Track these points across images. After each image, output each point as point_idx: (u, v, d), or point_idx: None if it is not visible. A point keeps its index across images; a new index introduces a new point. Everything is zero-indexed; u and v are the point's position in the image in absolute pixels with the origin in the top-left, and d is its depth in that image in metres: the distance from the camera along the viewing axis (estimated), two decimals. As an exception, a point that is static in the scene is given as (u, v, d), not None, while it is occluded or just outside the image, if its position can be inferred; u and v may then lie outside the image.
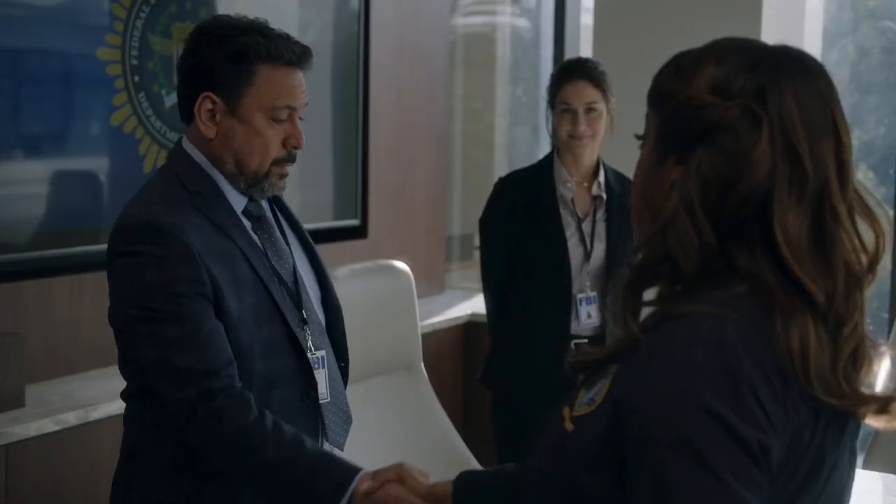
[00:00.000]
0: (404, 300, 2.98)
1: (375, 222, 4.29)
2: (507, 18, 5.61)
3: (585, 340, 2.96)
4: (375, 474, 1.71)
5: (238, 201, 1.86)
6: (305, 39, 4.05)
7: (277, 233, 1.92)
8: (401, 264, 3.04)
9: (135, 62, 3.29)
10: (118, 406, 2.85)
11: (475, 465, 3.04)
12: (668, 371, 1.02)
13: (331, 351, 1.96)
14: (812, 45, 4.32)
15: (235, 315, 1.77)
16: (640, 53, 4.16)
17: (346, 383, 2.01)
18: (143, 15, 3.31)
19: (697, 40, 3.96)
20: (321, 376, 1.90)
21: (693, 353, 1.01)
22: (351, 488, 1.69)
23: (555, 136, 3.06)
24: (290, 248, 1.93)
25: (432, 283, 4.67)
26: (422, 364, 3.06)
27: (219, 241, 1.79)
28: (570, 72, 2.96)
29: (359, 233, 4.17)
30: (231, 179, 1.84)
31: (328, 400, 1.91)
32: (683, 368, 1.01)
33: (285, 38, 1.83)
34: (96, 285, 3.19)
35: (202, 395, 1.72)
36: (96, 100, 3.22)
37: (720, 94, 1.09)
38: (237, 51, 1.78)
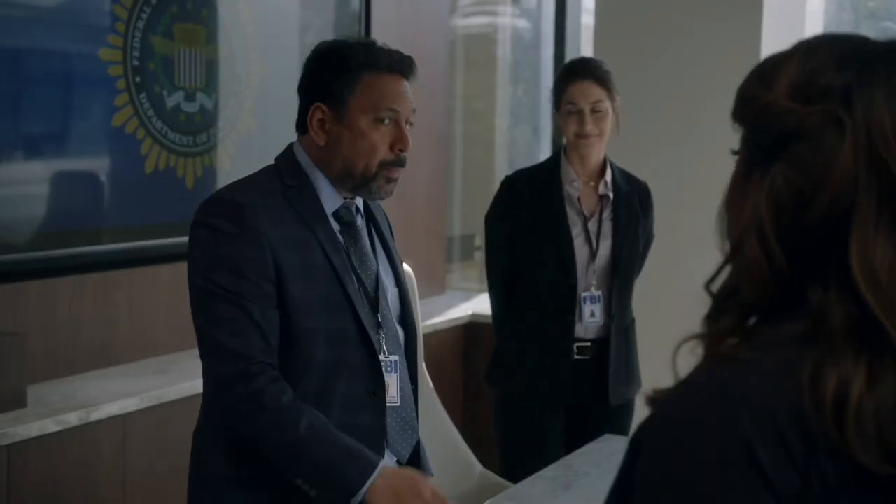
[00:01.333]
0: (405, 300, 2.98)
1: (376, 223, 4.29)
2: (507, 19, 5.61)
3: (588, 344, 2.96)
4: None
5: (331, 203, 1.96)
6: (306, 40, 4.09)
7: (364, 240, 2.01)
8: (403, 265, 3.04)
9: (136, 63, 3.29)
10: (119, 406, 2.87)
11: (477, 465, 3.05)
12: (666, 420, 0.94)
13: (405, 362, 2.03)
14: (813, 45, 4.32)
15: (298, 300, 1.86)
16: (640, 54, 4.17)
17: (416, 406, 2.08)
18: (144, 15, 3.31)
19: (698, 40, 3.98)
20: (392, 379, 1.98)
21: (690, 402, 0.93)
22: (374, 476, 1.79)
23: (559, 136, 3.06)
24: (376, 259, 2.02)
25: (433, 283, 4.67)
26: (423, 364, 3.06)
27: (299, 230, 1.89)
28: (574, 72, 2.95)
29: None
30: (336, 182, 1.95)
31: (398, 404, 1.98)
32: (677, 418, 0.92)
33: (387, 49, 1.94)
34: (98, 285, 3.19)
35: (239, 374, 1.81)
36: (98, 100, 3.22)
37: (800, 99, 0.94)
38: (339, 60, 1.91)
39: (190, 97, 3.48)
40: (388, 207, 4.37)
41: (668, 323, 4.22)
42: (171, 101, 3.41)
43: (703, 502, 0.87)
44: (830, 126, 0.92)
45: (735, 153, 1.04)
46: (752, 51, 3.99)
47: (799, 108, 0.93)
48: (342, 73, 1.90)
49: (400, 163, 1.93)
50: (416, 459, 2.07)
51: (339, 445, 1.81)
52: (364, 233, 2.02)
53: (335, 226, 1.95)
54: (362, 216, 2.03)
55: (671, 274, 4.08)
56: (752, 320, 0.96)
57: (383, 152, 1.91)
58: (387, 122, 1.91)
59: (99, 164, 3.27)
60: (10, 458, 2.61)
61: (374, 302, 1.98)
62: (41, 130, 3.12)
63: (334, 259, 1.90)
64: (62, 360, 3.10)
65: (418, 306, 3.04)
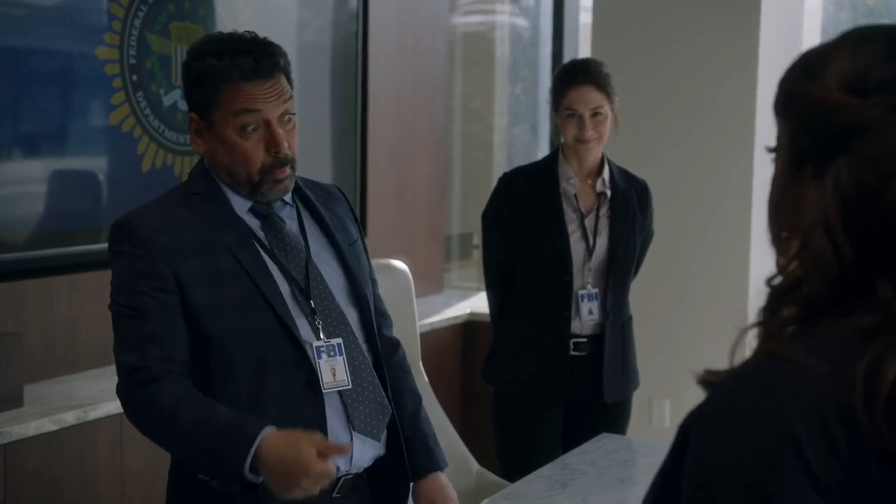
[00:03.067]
0: (403, 299, 2.98)
1: (375, 221, 4.29)
2: (506, 17, 5.61)
3: (585, 340, 2.96)
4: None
5: (242, 203, 1.94)
6: (305, 39, 4.09)
7: (287, 229, 1.98)
8: (399, 263, 3.04)
9: (133, 61, 3.29)
10: (117, 405, 2.85)
11: (473, 465, 3.05)
12: (717, 411, 0.94)
13: (356, 339, 2.00)
14: (810, 44, 4.32)
15: (205, 305, 1.85)
16: (639, 52, 4.17)
17: (383, 378, 2.04)
18: (141, 14, 3.31)
19: (696, 39, 3.97)
20: (338, 363, 1.94)
21: (742, 394, 0.92)
22: (254, 450, 1.73)
23: (557, 135, 3.06)
24: (307, 244, 1.99)
25: (431, 282, 4.67)
26: (420, 363, 3.07)
27: (204, 236, 1.89)
28: (573, 76, 2.93)
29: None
30: (231, 188, 1.94)
31: (349, 387, 1.94)
32: (728, 409, 0.93)
33: (240, 52, 1.87)
34: (95, 284, 3.19)
35: (133, 385, 1.85)
36: (95, 99, 3.22)
37: (856, 92, 0.93)
38: (197, 75, 1.90)
39: (187, 96, 3.47)
40: (387, 206, 4.38)
41: (664, 321, 4.26)
42: (168, 100, 3.41)
43: (751, 493, 0.89)
44: (892, 116, 0.92)
45: (772, 150, 1.04)
46: (751, 49, 3.99)
47: (858, 102, 0.93)
48: (203, 87, 1.88)
49: (280, 163, 1.89)
50: (395, 438, 2.03)
51: (217, 428, 1.78)
52: (293, 220, 2.00)
53: (254, 222, 1.94)
54: (290, 204, 2.00)
55: (669, 272, 4.08)
56: (810, 313, 0.96)
57: (260, 158, 1.88)
58: (253, 127, 1.87)
59: (96, 163, 3.27)
60: (6, 458, 2.61)
61: (306, 290, 1.94)
62: (38, 129, 3.11)
63: (243, 258, 1.89)
64: (60, 360, 3.10)
65: (415, 305, 3.05)
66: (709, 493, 0.91)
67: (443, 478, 2.12)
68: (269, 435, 1.74)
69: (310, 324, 1.92)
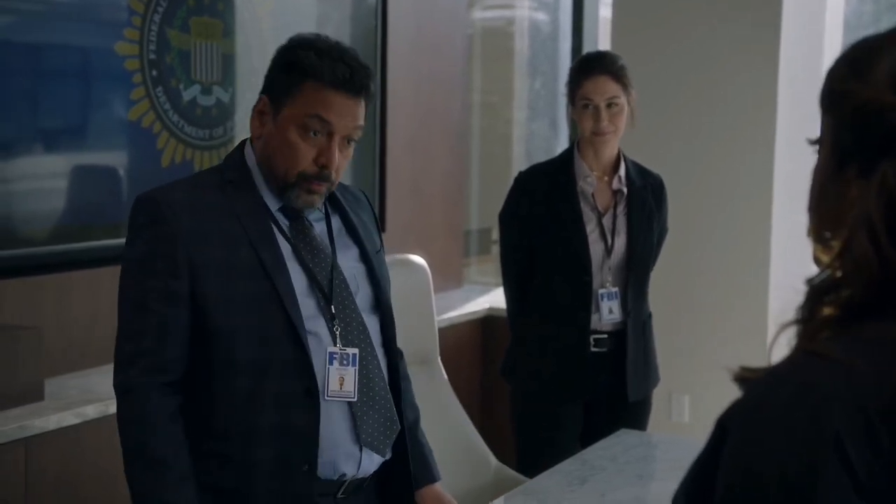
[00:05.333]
0: (421, 294, 2.98)
1: (393, 216, 4.29)
2: (525, 12, 5.60)
3: (605, 336, 2.95)
4: None
5: (273, 200, 1.92)
6: (323, 33, 4.07)
7: (315, 232, 1.95)
8: (417, 258, 3.04)
9: (153, 56, 3.30)
10: (136, 400, 2.88)
11: (492, 460, 3.04)
12: (756, 408, 0.93)
13: (374, 351, 1.97)
14: (833, 37, 4.29)
15: (215, 297, 1.83)
16: (659, 46, 4.15)
17: (398, 390, 2.03)
18: (160, 9, 3.31)
19: (716, 33, 3.95)
20: (348, 373, 1.91)
21: (782, 392, 0.91)
22: None
23: (574, 130, 3.04)
24: (334, 249, 1.97)
25: (450, 277, 4.67)
26: (439, 358, 3.06)
27: (229, 226, 1.85)
28: (590, 66, 2.92)
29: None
30: (266, 181, 1.92)
31: (354, 400, 1.91)
32: (767, 407, 0.91)
33: (343, 63, 1.86)
34: (115, 279, 3.19)
35: (121, 385, 1.85)
36: (114, 94, 3.23)
37: None
38: (289, 62, 1.87)
39: (206, 91, 3.48)
40: (405, 201, 4.38)
41: (683, 317, 4.24)
42: (187, 95, 3.41)
43: (790, 492, 0.87)
44: None
45: (815, 142, 1.01)
46: (772, 44, 3.96)
47: None
48: (287, 75, 1.87)
49: (321, 177, 1.87)
50: (402, 453, 2.02)
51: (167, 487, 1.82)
52: (322, 224, 1.98)
53: (283, 221, 1.92)
54: (321, 209, 1.98)
55: (688, 268, 4.06)
56: (850, 315, 0.94)
57: (305, 164, 1.86)
58: (315, 134, 1.85)
59: (116, 159, 3.28)
60: (28, 451, 2.63)
61: (330, 293, 1.92)
62: (58, 125, 3.13)
63: (263, 255, 1.85)
64: (79, 354, 3.11)
65: (433, 300, 3.04)
66: (746, 490, 0.90)
67: (439, 489, 2.10)
68: None
69: (329, 329, 1.90)
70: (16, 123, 2.97)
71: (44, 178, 3.10)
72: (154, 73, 3.30)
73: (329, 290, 1.92)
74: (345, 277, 1.96)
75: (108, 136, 3.25)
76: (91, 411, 2.76)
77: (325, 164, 1.86)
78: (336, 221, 2.02)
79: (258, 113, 1.91)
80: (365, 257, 2.03)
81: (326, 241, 1.97)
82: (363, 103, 1.88)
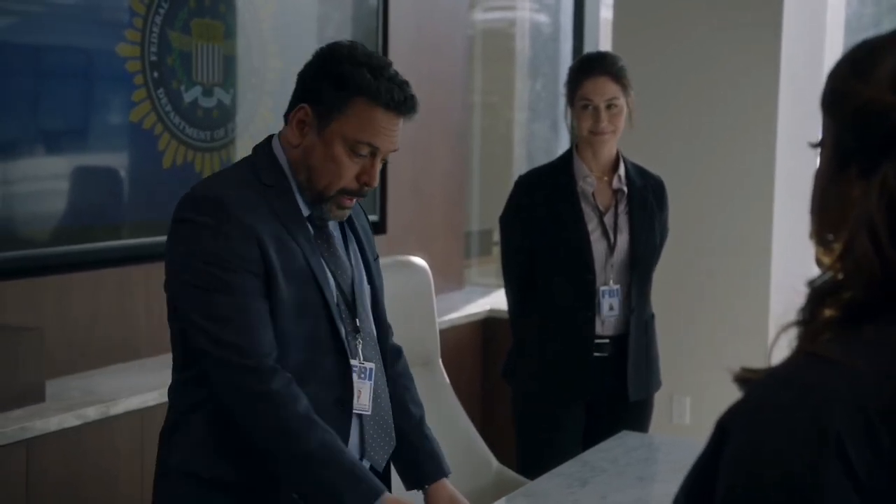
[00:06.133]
0: (422, 296, 2.98)
1: (394, 218, 4.29)
2: (526, 13, 5.60)
3: (607, 341, 2.95)
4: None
5: (304, 208, 1.91)
6: (325, 34, 4.08)
7: (337, 244, 1.97)
8: (418, 260, 3.04)
9: (154, 58, 3.30)
10: (139, 401, 2.88)
11: (493, 462, 3.04)
12: (757, 409, 0.93)
13: (381, 367, 2.00)
14: (834, 39, 4.29)
15: (277, 300, 1.82)
16: (659, 47, 4.15)
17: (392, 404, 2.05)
18: (162, 11, 3.31)
19: (717, 35, 3.95)
20: (365, 387, 1.93)
21: (783, 393, 0.91)
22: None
23: (574, 131, 3.04)
24: (351, 261, 1.98)
25: (451, 278, 4.66)
26: (440, 360, 3.06)
27: (280, 232, 1.85)
28: (589, 67, 2.92)
29: (377, 228, 4.17)
30: (301, 188, 1.90)
31: (369, 413, 1.94)
32: (768, 408, 0.91)
33: (394, 84, 1.86)
34: (116, 280, 3.21)
35: (252, 371, 1.77)
36: (115, 96, 3.23)
37: None
38: (341, 76, 1.84)
39: (207, 92, 3.48)
40: (406, 202, 4.38)
41: (684, 319, 4.24)
42: (188, 97, 3.41)
43: (791, 492, 0.88)
44: None
45: (816, 145, 1.00)
46: (773, 45, 3.97)
47: None
48: (338, 90, 1.84)
49: (359, 193, 1.89)
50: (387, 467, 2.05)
51: (345, 468, 1.78)
52: (337, 236, 1.98)
53: (310, 230, 1.91)
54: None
55: (689, 269, 4.06)
56: (851, 317, 0.94)
57: (347, 180, 1.86)
58: (363, 154, 1.86)
59: (117, 160, 3.28)
60: (29, 453, 2.62)
61: (353, 306, 1.94)
62: (59, 126, 3.13)
63: (313, 262, 1.86)
64: (81, 355, 3.11)
65: (434, 302, 3.04)
66: (747, 491, 0.90)
67: (450, 485, 2.11)
68: (389, 499, 1.78)
69: (352, 342, 1.92)
70: (17, 125, 2.97)
71: (45, 180, 3.10)
72: (155, 74, 3.30)
73: (353, 302, 1.94)
74: (363, 290, 1.98)
75: (110, 138, 3.25)
76: (92, 413, 2.76)
77: (368, 183, 1.88)
78: (346, 230, 2.03)
79: (298, 122, 1.88)
80: (366, 265, 2.04)
81: (344, 252, 1.98)
82: (402, 124, 1.90)
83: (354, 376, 1.91)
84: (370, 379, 1.94)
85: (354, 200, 1.91)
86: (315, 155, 1.86)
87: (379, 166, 1.89)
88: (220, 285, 1.78)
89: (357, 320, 1.93)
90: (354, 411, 1.91)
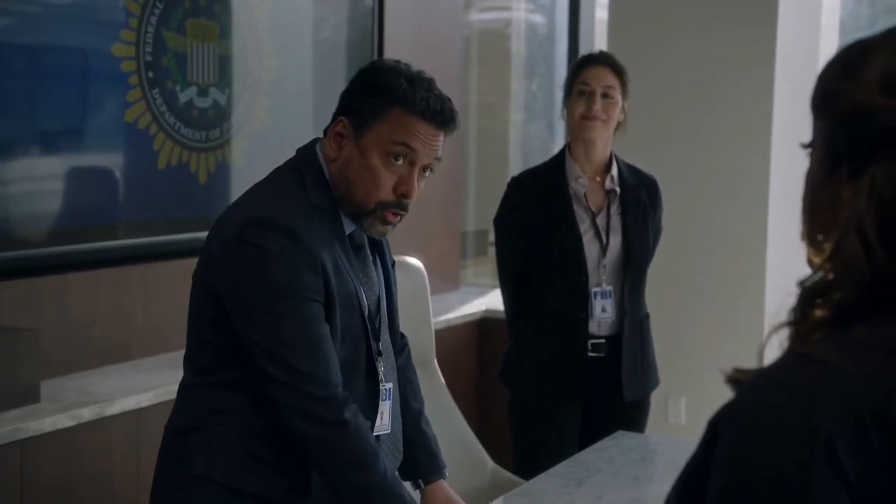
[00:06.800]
0: (417, 296, 2.98)
1: (390, 218, 4.28)
2: (521, 14, 5.60)
3: (602, 341, 2.95)
4: None
5: (347, 226, 1.89)
6: (321, 36, 4.08)
7: (371, 265, 1.97)
8: (414, 260, 3.04)
9: (149, 58, 3.29)
10: (134, 402, 2.87)
11: (489, 462, 3.04)
12: (748, 409, 0.93)
13: (397, 385, 2.01)
14: (829, 40, 4.30)
15: (335, 328, 1.82)
16: (655, 48, 4.15)
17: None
18: (157, 11, 3.31)
19: (714, 34, 3.95)
20: (386, 408, 1.95)
21: (774, 393, 0.91)
22: None
23: (569, 126, 3.05)
24: (378, 279, 1.98)
25: (447, 279, 4.66)
26: (435, 360, 3.06)
27: (336, 257, 1.83)
28: (592, 58, 3.00)
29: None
30: (341, 203, 1.88)
31: (388, 432, 1.96)
32: (760, 408, 0.91)
33: (432, 94, 1.85)
34: (112, 281, 3.20)
35: (326, 400, 1.77)
36: (111, 96, 3.22)
37: None
38: (375, 85, 1.84)
39: (203, 92, 3.48)
40: (402, 203, 4.36)
41: (679, 319, 4.24)
42: (183, 97, 3.41)
43: (781, 493, 0.88)
44: None
45: (807, 146, 1.00)
46: (768, 45, 3.97)
47: None
48: (374, 98, 1.83)
49: (400, 206, 1.85)
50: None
51: (405, 500, 1.83)
52: (369, 254, 1.97)
53: (351, 250, 1.90)
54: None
55: (685, 269, 4.07)
56: (842, 317, 0.94)
57: (385, 192, 1.83)
58: (399, 160, 1.83)
59: (112, 160, 3.28)
60: (23, 453, 2.62)
61: (377, 329, 1.94)
62: (54, 126, 3.12)
63: (359, 290, 1.86)
64: (76, 356, 3.11)
65: (430, 302, 3.04)
66: (738, 491, 0.90)
67: (447, 486, 2.12)
68: None
69: (377, 364, 1.92)
70: (12, 125, 2.97)
71: (41, 180, 3.10)
72: (150, 74, 3.30)
73: (378, 326, 1.94)
74: (386, 313, 1.98)
75: (105, 138, 3.24)
76: (87, 414, 2.76)
77: (406, 194, 1.84)
78: (374, 250, 2.01)
79: (335, 135, 1.86)
80: (387, 276, 2.04)
81: (376, 273, 1.98)
82: (443, 136, 1.87)
83: (380, 399, 1.92)
84: (390, 399, 1.95)
85: (399, 216, 1.88)
86: (352, 166, 1.84)
87: (416, 177, 1.85)
88: (291, 314, 1.76)
89: (381, 343, 1.94)
90: (375, 433, 1.91)
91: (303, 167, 1.89)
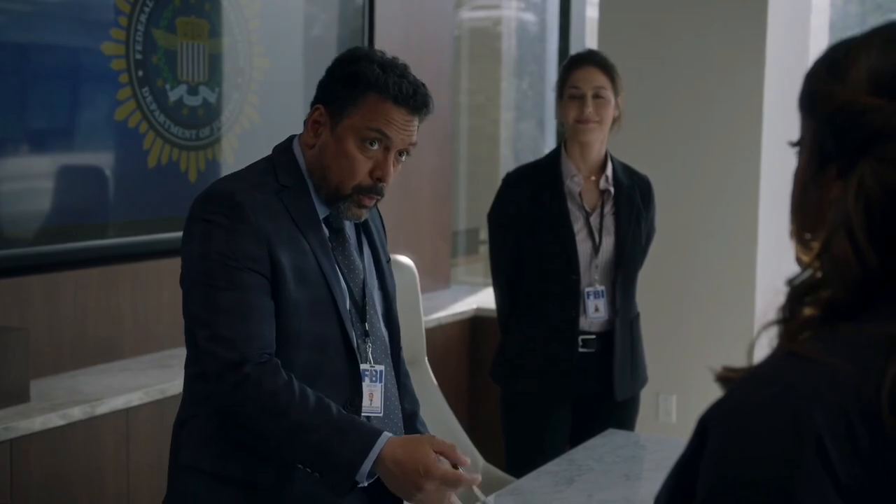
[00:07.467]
0: (408, 295, 2.98)
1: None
2: (512, 12, 5.60)
3: (593, 337, 2.95)
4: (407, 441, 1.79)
5: (322, 209, 1.93)
6: (311, 34, 4.08)
7: (351, 248, 1.98)
8: (404, 259, 3.04)
9: (139, 57, 3.29)
10: (124, 401, 2.87)
11: (480, 460, 3.04)
12: (737, 407, 0.93)
13: (392, 370, 2.01)
14: (819, 39, 4.31)
15: (288, 301, 1.84)
16: (645, 47, 4.16)
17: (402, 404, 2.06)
18: (146, 9, 3.30)
19: (704, 34, 3.96)
20: (376, 390, 1.95)
21: (763, 391, 0.91)
22: (374, 453, 1.75)
23: (562, 127, 3.06)
24: (364, 265, 2.00)
25: (438, 277, 4.67)
26: (426, 359, 3.06)
27: (293, 233, 1.87)
28: (580, 59, 2.99)
29: (364, 227, 4.17)
30: (316, 189, 1.93)
31: (381, 415, 1.95)
32: (749, 407, 0.91)
33: (403, 78, 1.89)
34: (102, 280, 3.19)
35: (233, 362, 1.78)
36: (101, 94, 3.22)
37: (884, 93, 0.90)
38: (351, 73, 1.89)
39: (193, 91, 3.47)
40: (393, 202, 4.37)
41: (670, 318, 4.25)
42: (173, 95, 3.40)
43: (771, 491, 0.88)
44: None
45: (795, 144, 1.01)
46: (758, 45, 3.98)
47: (884, 105, 0.89)
48: (349, 86, 1.87)
49: (376, 191, 1.90)
50: None
51: (333, 424, 1.77)
52: (353, 238, 2.00)
53: (325, 231, 1.93)
54: (351, 222, 2.01)
55: (676, 269, 4.07)
56: (831, 315, 0.94)
57: (361, 176, 1.88)
58: (374, 146, 1.87)
59: (102, 159, 3.27)
60: (13, 453, 2.62)
61: (362, 310, 1.96)
62: (44, 125, 3.11)
63: (324, 264, 1.88)
64: (66, 355, 3.10)
65: (420, 301, 3.04)
66: (727, 489, 0.90)
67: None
68: (391, 441, 1.77)
69: (361, 346, 1.93)
70: (1, 123, 2.96)
71: (30, 179, 3.09)
72: (140, 73, 3.29)
73: (362, 306, 1.95)
74: (373, 294, 2.00)
75: (95, 137, 3.24)
76: (77, 413, 2.75)
77: (381, 178, 1.89)
78: (361, 234, 2.04)
79: (312, 122, 1.91)
80: (378, 267, 2.05)
81: (359, 255, 2.00)
82: (417, 121, 1.92)
83: (366, 379, 1.92)
84: (380, 381, 1.95)
85: (374, 200, 1.92)
86: (329, 152, 1.89)
87: (392, 161, 1.90)
88: (225, 282, 1.80)
89: (367, 324, 1.95)
90: (364, 414, 1.92)
91: (276, 156, 1.96)
